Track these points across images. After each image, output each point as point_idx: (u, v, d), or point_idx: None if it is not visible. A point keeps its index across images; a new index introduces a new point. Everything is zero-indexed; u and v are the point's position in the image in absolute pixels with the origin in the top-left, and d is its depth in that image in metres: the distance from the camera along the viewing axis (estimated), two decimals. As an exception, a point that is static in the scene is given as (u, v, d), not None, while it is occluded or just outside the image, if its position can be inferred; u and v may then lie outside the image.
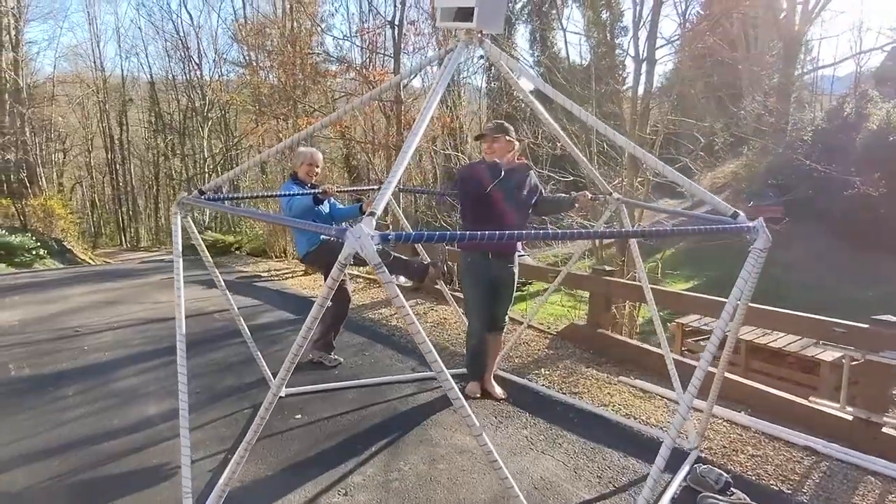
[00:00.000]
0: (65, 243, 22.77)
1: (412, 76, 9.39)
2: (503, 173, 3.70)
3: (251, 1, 26.92)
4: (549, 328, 5.89)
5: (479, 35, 2.83)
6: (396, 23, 11.63)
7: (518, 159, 3.89)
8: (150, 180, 36.22)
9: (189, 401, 4.02)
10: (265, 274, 9.35)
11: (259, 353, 3.78)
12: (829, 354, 6.56)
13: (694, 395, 2.16)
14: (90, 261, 22.21)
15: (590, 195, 3.94)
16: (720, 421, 3.74)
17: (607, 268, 5.49)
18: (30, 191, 24.63)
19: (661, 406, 4.04)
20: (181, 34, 31.70)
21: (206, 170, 30.33)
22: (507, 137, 3.75)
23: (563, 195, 4.14)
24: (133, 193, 36.20)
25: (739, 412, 3.87)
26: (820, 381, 6.82)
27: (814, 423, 3.60)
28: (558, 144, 12.15)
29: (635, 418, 3.81)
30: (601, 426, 3.67)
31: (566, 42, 13.88)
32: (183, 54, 31.50)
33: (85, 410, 3.75)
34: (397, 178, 2.02)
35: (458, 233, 1.87)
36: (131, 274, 9.36)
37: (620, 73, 15.36)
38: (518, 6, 28.73)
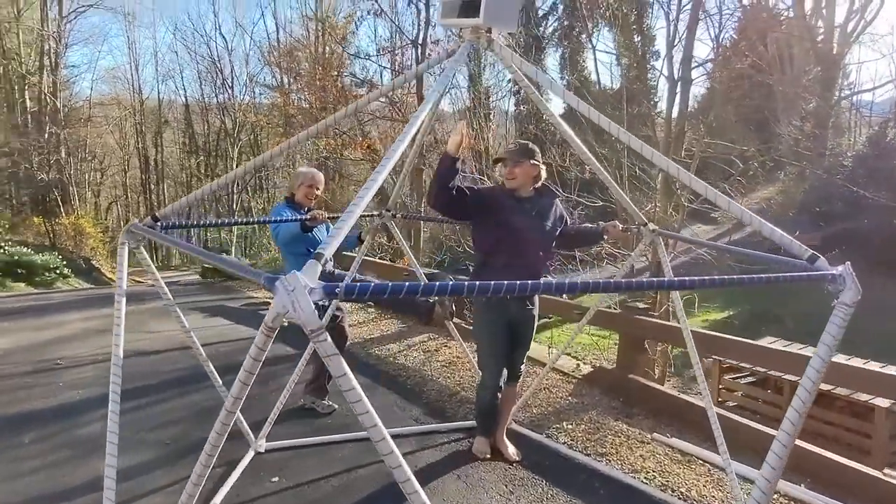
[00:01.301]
0: (93, 262, 22.96)
1: (404, 81, 9.08)
2: (524, 201, 3.21)
3: (284, 25, 27.30)
4: (573, 370, 5.30)
5: (488, 34, 2.36)
6: (420, 42, 11.30)
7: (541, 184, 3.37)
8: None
9: (155, 453, 3.59)
10: (275, 300, 8.87)
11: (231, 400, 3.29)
12: (883, 399, 5.81)
13: (775, 479, 1.60)
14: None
15: (621, 226, 3.41)
16: (774, 496, 3.11)
17: (640, 304, 4.89)
18: (62, 210, 24.99)
19: (703, 473, 3.42)
20: (214, 57, 32.30)
21: (235, 190, 30.59)
22: (532, 161, 3.23)
23: (591, 226, 3.60)
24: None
25: (799, 485, 3.24)
26: (874, 428, 6.05)
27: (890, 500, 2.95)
28: (587, 168, 11.62)
29: (673, 490, 3.21)
30: (632, 500, 3.08)
31: (596, 63, 13.40)
32: (215, 77, 32.00)
33: (38, 463, 3.31)
34: (358, 211, 1.53)
35: (450, 283, 1.36)
36: (137, 297, 9.04)
37: (653, 96, 14.84)
38: (549, 30, 28.50)
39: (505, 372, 3.39)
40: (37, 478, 3.14)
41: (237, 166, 31.16)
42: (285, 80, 23.08)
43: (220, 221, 3.47)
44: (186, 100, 35.56)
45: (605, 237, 3.48)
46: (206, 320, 6.95)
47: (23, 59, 27.18)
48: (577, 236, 3.54)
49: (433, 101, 1.98)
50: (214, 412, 3.65)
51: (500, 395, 3.40)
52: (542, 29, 26.27)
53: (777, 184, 21.01)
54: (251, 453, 3.36)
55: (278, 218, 3.53)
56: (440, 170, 2.99)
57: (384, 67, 14.09)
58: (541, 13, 27.53)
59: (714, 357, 7.79)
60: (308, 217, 3.38)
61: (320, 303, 1.31)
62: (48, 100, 26.87)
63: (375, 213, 3.78)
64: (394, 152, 1.74)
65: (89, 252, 22.83)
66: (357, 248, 3.99)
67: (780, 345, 8.23)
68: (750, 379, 7.35)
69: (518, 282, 1.32)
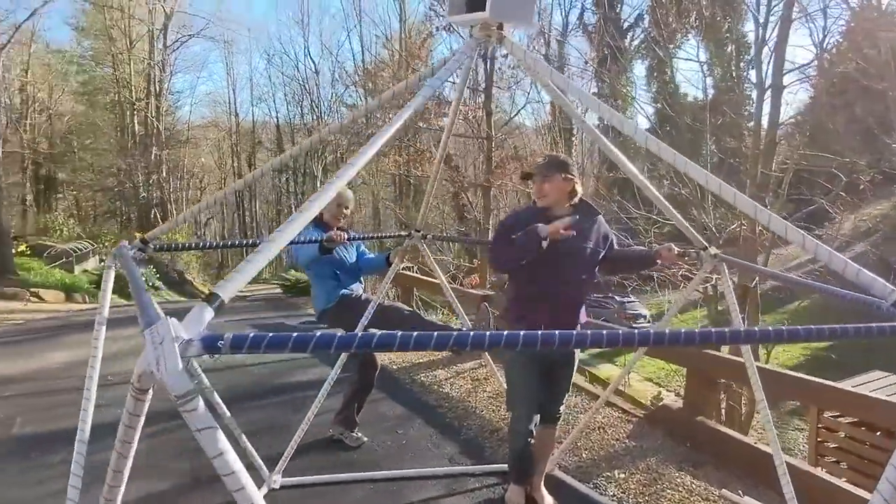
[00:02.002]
0: (185, 275, 24.36)
1: (393, 96, 8.76)
2: (560, 218, 2.83)
3: (369, 46, 28.11)
4: (633, 407, 4.77)
5: (499, 31, 2.05)
6: (490, 56, 11.07)
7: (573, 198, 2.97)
8: (272, 216, 38.50)
9: (173, 482, 3.48)
10: (333, 318, 8.82)
11: (244, 436, 3.10)
12: None
13: None
14: (207, 292, 23.49)
15: (676, 249, 2.94)
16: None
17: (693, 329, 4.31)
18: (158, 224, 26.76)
19: (780, 547, 2.85)
20: (303, 80, 33.74)
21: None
22: (565, 175, 2.84)
23: (641, 248, 3.17)
24: (258, 228, 38.62)
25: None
26: None
27: None
28: (665, 183, 10.89)
29: (740, 567, 2.68)
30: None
31: (674, 73, 12.64)
32: (301, 99, 33.38)
33: (60, 486, 3.26)
34: (284, 240, 1.26)
35: (414, 335, 1.04)
36: (181, 314, 9.22)
37: (747, 106, 13.81)
38: (635, 42, 27.59)
39: (538, 415, 3.00)
40: (57, 502, 3.08)
41: (320, 184, 32.24)
42: (369, 100, 23.68)
43: (214, 243, 3.31)
44: (278, 121, 37.36)
45: (658, 262, 3.02)
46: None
47: (133, 87, 29.65)
48: (626, 260, 3.12)
49: (414, 107, 1.68)
50: (248, 437, 3.52)
51: (531, 439, 3.01)
52: (626, 41, 25.46)
53: (891, 199, 18.96)
54: (264, 489, 3.15)
55: (301, 239, 3.34)
56: (527, 248, 2.66)
57: (454, 83, 13.95)
58: (625, 25, 26.78)
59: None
60: (325, 238, 3.17)
61: (206, 357, 1.04)
62: (153, 124, 29.05)
63: (404, 233, 3.52)
64: (352, 166, 1.47)
65: (183, 265, 24.24)
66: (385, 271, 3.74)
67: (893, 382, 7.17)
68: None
69: (538, 332, 0.99)
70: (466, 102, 14.52)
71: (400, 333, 1.01)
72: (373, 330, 3.82)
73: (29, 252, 18.13)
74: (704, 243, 2.86)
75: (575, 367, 3.14)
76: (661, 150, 1.75)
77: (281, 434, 3.73)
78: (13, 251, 16.26)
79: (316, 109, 32.84)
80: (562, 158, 2.90)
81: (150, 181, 26.54)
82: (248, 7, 53.11)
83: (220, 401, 2.89)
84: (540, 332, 0.99)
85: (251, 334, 1.04)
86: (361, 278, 3.82)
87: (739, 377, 4.49)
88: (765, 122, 9.19)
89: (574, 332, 1.06)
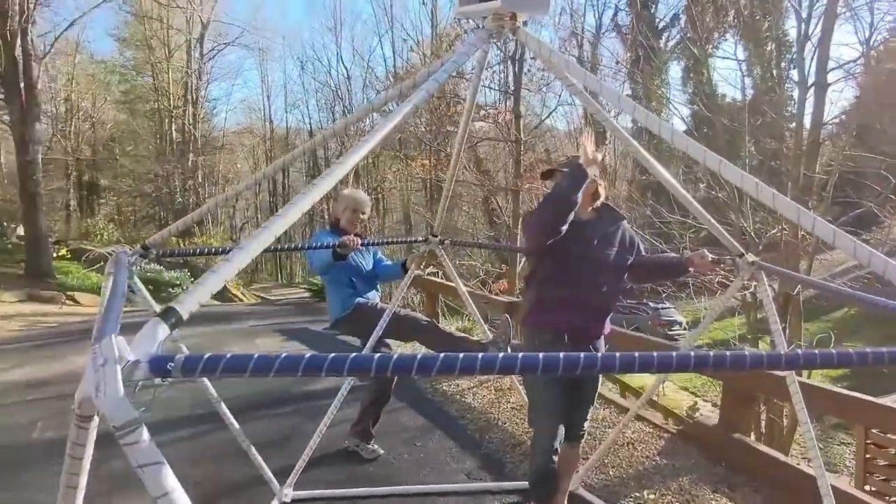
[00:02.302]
0: (220, 279, 24.75)
1: (385, 102, 8.64)
2: (583, 225, 2.66)
3: (400, 51, 28.20)
4: (666, 420, 4.53)
5: (512, 21, 1.90)
6: (517, 57, 10.90)
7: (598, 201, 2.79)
8: (305, 221, 38.99)
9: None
10: (360, 323, 8.71)
11: (254, 448, 3.00)
12: None
13: None
14: (242, 297, 23.83)
15: (710, 256, 2.73)
16: None
17: (748, 349, 4.05)
18: (199, 230, 27.27)
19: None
20: (335, 86, 34.02)
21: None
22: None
23: (672, 255, 2.96)
24: (290, 232, 39.13)
25: None
26: None
27: None
28: (701, 186, 10.51)
29: None
30: None
31: (711, 73, 12.24)
32: (333, 105, 33.68)
33: (47, 500, 3.22)
34: (256, 248, 1.14)
35: (394, 356, 0.92)
36: (229, 318, 9.33)
37: (790, 107, 13.30)
38: (671, 44, 27.01)
39: (563, 430, 2.82)
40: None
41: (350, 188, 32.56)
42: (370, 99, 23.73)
43: (218, 248, 3.16)
44: (311, 127, 37.78)
45: (691, 269, 2.81)
46: (282, 343, 6.93)
47: (171, 95, 30.42)
48: (655, 267, 2.92)
49: (415, 101, 1.54)
50: (259, 449, 3.43)
51: (555, 457, 2.83)
52: (661, 42, 24.94)
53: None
54: (275, 503, 3.05)
55: (314, 244, 3.24)
56: (564, 191, 2.43)
57: (483, 86, 13.80)
58: (660, 25, 26.23)
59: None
60: (338, 242, 3.05)
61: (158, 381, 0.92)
62: (190, 130, 29.74)
63: (421, 238, 3.39)
64: (341, 164, 1.34)
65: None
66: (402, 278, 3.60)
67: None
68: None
69: (559, 355, 0.87)
70: (496, 106, 14.36)
71: (418, 356, 0.90)
72: (388, 340, 3.72)
73: (69, 256, 18.59)
74: (741, 249, 2.64)
75: (600, 382, 2.95)
76: (689, 147, 1.59)
77: (294, 445, 3.64)
78: (54, 255, 16.71)
79: (348, 115, 33.10)
80: (579, 161, 2.71)
81: (187, 186, 27.11)
82: (282, 15, 53.93)
83: (227, 411, 2.81)
84: (562, 354, 0.88)
85: (206, 355, 0.92)
86: (378, 286, 3.70)
87: (780, 393, 4.21)
88: (807, 122, 8.78)
89: (600, 355, 0.93)
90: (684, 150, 1.63)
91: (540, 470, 2.87)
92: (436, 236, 3.32)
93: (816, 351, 0.97)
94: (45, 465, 3.72)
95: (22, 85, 13.25)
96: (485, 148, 18.20)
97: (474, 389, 5.12)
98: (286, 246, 4.05)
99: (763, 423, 6.91)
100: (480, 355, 0.89)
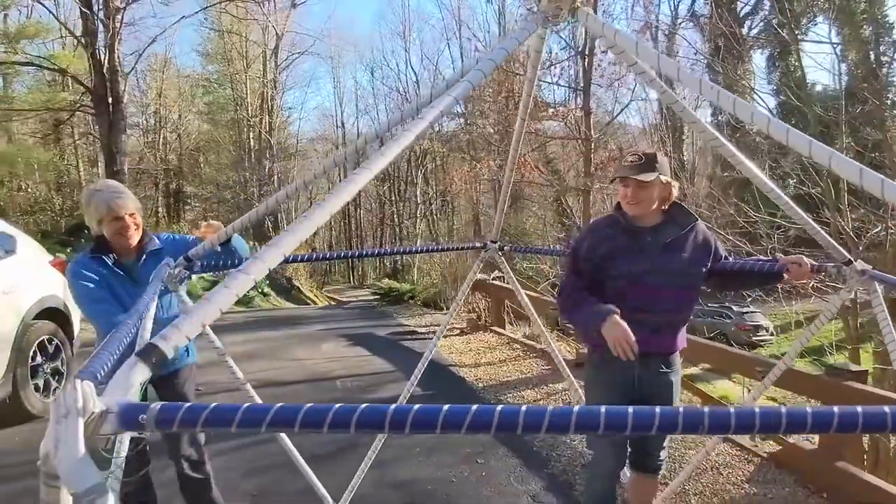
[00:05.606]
0: (294, 281, 25.53)
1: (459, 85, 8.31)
2: (647, 233, 2.37)
3: (468, 53, 28.14)
4: (757, 443, 4.09)
5: (574, 2, 1.66)
6: (587, 52, 10.48)
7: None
8: (376, 224, 39.66)
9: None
10: (423, 329, 8.53)
11: (306, 464, 2.88)
12: None
13: None
14: (315, 299, 24.47)
15: (808, 263, 2.36)
16: None
17: (852, 366, 3.59)
18: (274, 234, 28.22)
19: None
20: (404, 90, 34.42)
21: (419, 214, 32.24)
22: (663, 178, 2.36)
23: (763, 261, 2.59)
24: (362, 235, 39.91)
25: None
26: None
27: None
28: (791, 182, 9.71)
29: None
30: None
31: (800, 59, 11.29)
32: (402, 108, 34.13)
33: None
34: (274, 259, 0.97)
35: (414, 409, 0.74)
36: (298, 321, 9.41)
37: (887, 93, 12.13)
38: (754, 31, 25.48)
39: (627, 453, 2.54)
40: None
41: (419, 191, 32.86)
42: (468, 107, 23.64)
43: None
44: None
45: (786, 276, 2.44)
46: (346, 349, 6.89)
47: (249, 105, 31.81)
48: (741, 276, 2.56)
49: (461, 89, 1.34)
50: (313, 462, 3.33)
51: (617, 486, 2.55)
52: (744, 29, 23.55)
53: None
54: (328, 522, 2.92)
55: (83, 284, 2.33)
56: (584, 325, 2.45)
57: (551, 83, 13.41)
58: (743, 12, 24.78)
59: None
60: None
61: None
62: (266, 139, 30.98)
63: (479, 244, 3.17)
64: (382, 155, 1.16)
65: (291, 272, 25.36)
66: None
67: None
68: None
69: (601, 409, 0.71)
70: (565, 104, 13.92)
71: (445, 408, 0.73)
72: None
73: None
74: (848, 256, 2.27)
75: (677, 394, 2.62)
76: (790, 137, 1.30)
77: (350, 458, 3.51)
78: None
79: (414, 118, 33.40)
80: (660, 157, 2.40)
81: (263, 192, 28.16)
82: (351, 22, 55.23)
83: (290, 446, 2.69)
84: (606, 409, 0.69)
85: (184, 406, 0.76)
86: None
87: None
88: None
89: (656, 411, 0.70)
90: (783, 140, 1.35)
91: (597, 496, 2.59)
92: (495, 242, 3.10)
93: None
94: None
95: (109, 100, 14.14)
96: (554, 147, 17.74)
97: (541, 401, 4.86)
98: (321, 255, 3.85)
99: (866, 444, 6.22)
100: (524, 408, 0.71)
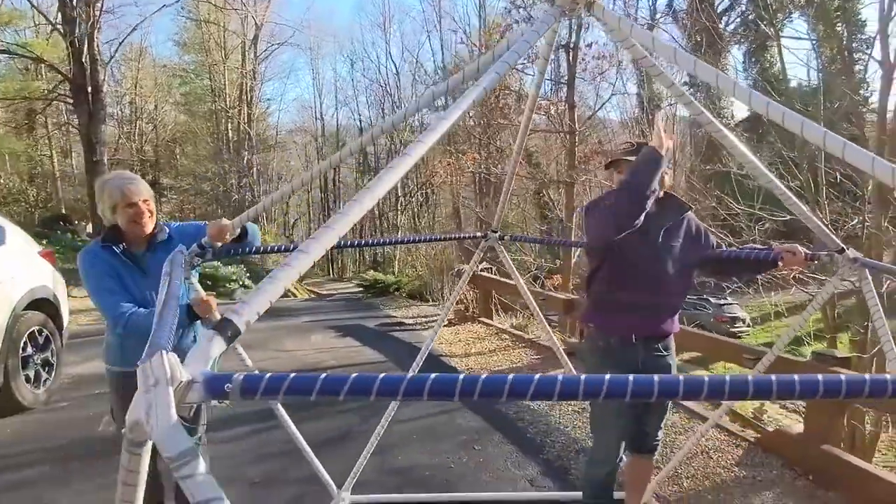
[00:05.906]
0: (274, 274, 25.37)
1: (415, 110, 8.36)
2: (651, 218, 2.44)
3: (448, 45, 28.11)
4: (742, 428, 4.23)
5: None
6: (572, 46, 10.55)
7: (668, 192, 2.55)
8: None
9: (238, 492, 3.32)
10: (410, 321, 8.59)
11: (311, 450, 2.91)
12: None
13: None
14: (295, 291, 24.29)
15: (802, 251, 2.45)
16: None
17: (836, 353, 3.72)
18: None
19: None
20: (384, 82, 34.28)
21: (399, 207, 32.17)
22: None
23: (758, 249, 2.68)
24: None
25: None
26: None
27: None
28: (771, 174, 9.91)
29: None
30: None
31: (780, 55, 11.53)
32: (383, 101, 33.96)
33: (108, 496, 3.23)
34: (321, 249, 1.00)
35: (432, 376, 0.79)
36: (282, 313, 9.37)
37: (863, 90, 12.45)
38: (730, 27, 25.87)
39: (628, 438, 2.61)
40: None
41: (400, 184, 32.77)
42: (450, 100, 23.59)
43: (275, 247, 2.91)
44: (360, 124, 38.24)
45: (780, 264, 2.53)
46: (336, 340, 6.91)
47: (227, 96, 31.36)
48: (736, 263, 2.65)
49: (485, 85, 1.38)
50: (318, 449, 3.35)
51: (617, 472, 2.62)
52: (721, 25, 23.89)
53: None
54: (332, 508, 2.97)
55: (98, 276, 2.29)
56: (641, 178, 2.18)
57: (530, 75, 13.42)
58: (720, 8, 25.13)
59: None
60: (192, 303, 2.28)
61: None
62: (245, 130, 30.60)
63: (480, 234, 3.22)
64: (408, 155, 1.19)
65: (271, 265, 25.19)
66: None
67: None
68: None
69: (603, 378, 0.76)
70: (548, 97, 14.00)
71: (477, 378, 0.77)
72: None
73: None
74: (840, 244, 2.37)
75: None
76: (786, 118, 1.37)
77: (352, 445, 3.55)
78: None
79: (397, 111, 33.27)
80: (653, 145, 2.48)
81: (242, 184, 27.88)
82: (330, 13, 54.66)
83: (283, 412, 2.72)
84: (608, 378, 0.75)
85: (267, 375, 0.79)
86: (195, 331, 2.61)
87: (875, 404, 3.85)
88: (892, 104, 8.13)
89: (656, 379, 0.75)
90: (779, 121, 1.42)
91: (597, 485, 2.66)
92: (495, 232, 3.15)
93: None
94: (108, 459, 3.77)
95: (89, 89, 13.85)
96: (535, 140, 17.83)
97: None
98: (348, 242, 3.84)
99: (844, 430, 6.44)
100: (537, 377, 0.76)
